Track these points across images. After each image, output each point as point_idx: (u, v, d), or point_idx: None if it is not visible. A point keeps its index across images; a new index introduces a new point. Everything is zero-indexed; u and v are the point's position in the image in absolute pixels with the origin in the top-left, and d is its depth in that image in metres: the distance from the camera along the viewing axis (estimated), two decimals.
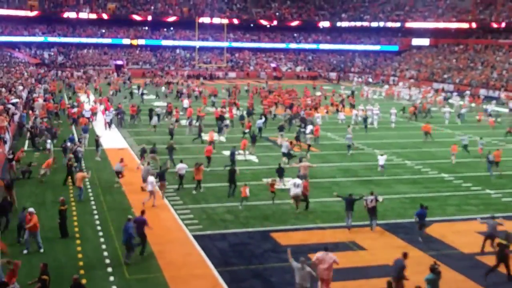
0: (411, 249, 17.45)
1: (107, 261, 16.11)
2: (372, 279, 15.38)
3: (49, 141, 29.65)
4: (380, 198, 19.60)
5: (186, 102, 45.67)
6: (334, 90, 62.90)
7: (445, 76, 74.84)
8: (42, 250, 16.63)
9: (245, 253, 16.90)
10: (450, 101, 56.40)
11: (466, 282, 15.47)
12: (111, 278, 14.94)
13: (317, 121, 39.22)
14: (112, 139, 34.22)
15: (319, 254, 13.98)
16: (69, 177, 24.15)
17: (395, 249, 17.13)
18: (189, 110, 40.73)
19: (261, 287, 14.94)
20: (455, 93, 61.23)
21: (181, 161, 24.22)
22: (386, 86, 69.43)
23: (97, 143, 29.57)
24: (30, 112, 37.53)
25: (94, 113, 41.25)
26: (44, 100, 44.98)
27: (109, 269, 15.42)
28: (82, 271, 15.22)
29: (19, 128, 35.57)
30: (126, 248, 15.94)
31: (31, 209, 16.93)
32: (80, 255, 16.48)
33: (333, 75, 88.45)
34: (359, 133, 37.36)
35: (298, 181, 21.04)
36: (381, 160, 27.29)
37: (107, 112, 38.98)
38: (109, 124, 37.94)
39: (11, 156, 25.17)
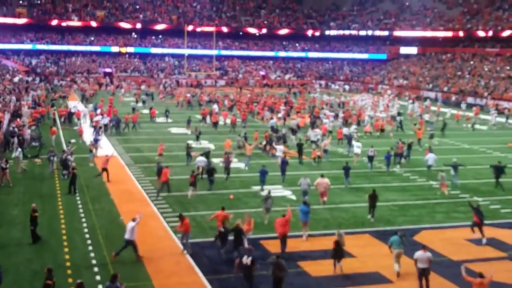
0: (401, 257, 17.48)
1: (96, 269, 15.99)
2: (360, 286, 15.43)
3: (19, 149, 28.55)
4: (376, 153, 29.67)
5: (216, 107, 48.81)
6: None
7: (432, 84, 75.41)
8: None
9: (234, 261, 16.82)
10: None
11: None
12: (100, 287, 14.84)
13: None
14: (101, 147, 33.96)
15: (319, 180, 22.80)
16: (72, 186, 23.81)
17: (384, 257, 17.21)
18: (224, 113, 46.30)
19: None
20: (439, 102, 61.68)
21: (201, 155, 26.99)
22: (370, 95, 69.69)
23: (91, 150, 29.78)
24: (18, 119, 37.20)
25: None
26: (32, 108, 44.64)
27: (98, 277, 15.32)
28: (70, 280, 15.10)
29: (6, 137, 35.05)
30: (263, 183, 24.16)
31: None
32: (68, 263, 16.35)
33: (318, 83, 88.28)
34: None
35: (359, 143, 31.16)
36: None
37: (104, 116, 38.88)
38: (104, 127, 37.66)
39: (4, 165, 24.83)
